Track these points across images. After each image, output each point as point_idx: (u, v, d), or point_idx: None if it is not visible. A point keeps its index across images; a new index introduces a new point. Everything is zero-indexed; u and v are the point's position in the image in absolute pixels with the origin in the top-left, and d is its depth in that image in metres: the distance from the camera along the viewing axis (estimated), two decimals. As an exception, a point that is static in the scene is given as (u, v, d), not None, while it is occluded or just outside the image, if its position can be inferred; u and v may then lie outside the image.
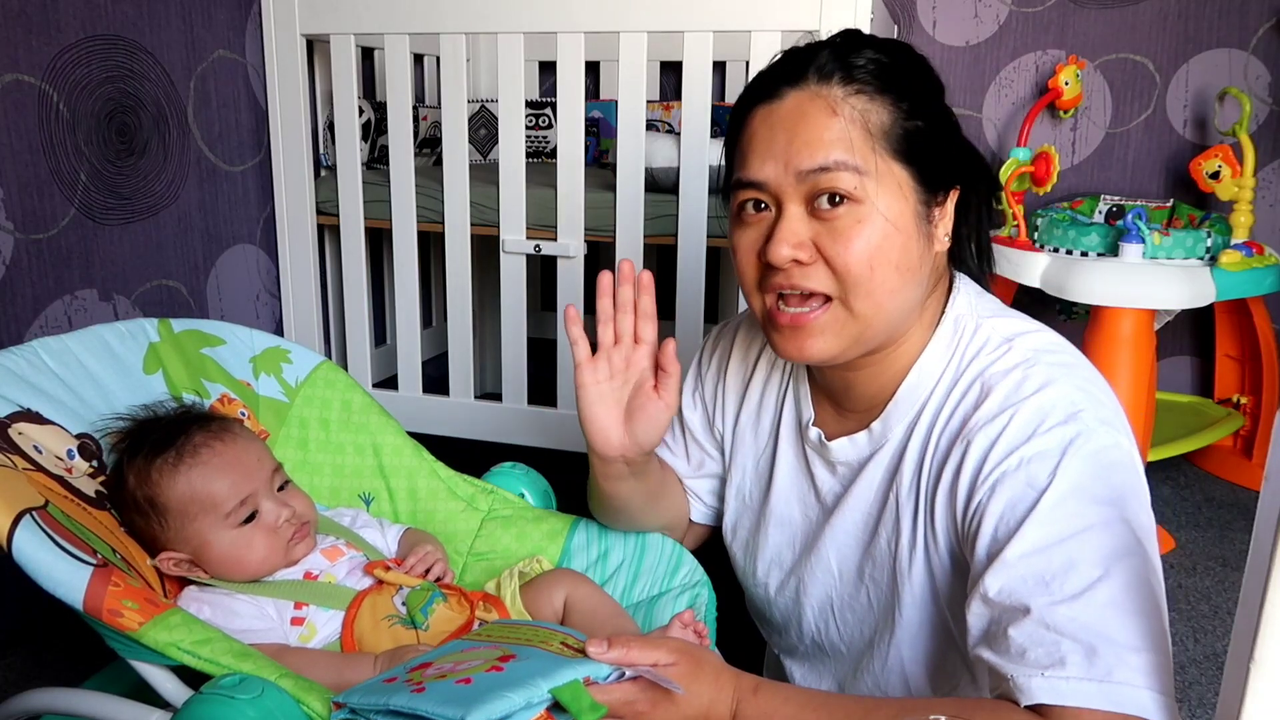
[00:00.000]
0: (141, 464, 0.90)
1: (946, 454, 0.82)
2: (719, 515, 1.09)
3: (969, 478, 0.79)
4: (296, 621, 0.89)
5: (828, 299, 0.81)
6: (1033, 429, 0.77)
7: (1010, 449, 0.77)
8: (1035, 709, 0.69)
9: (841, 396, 0.92)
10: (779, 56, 0.85)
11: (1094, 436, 0.76)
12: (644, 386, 0.91)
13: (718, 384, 1.05)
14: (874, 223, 0.79)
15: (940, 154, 0.83)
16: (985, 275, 0.94)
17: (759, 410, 1.01)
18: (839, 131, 0.79)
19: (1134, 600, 0.70)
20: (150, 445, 0.91)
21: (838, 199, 0.79)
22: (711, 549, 1.12)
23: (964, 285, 0.90)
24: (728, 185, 0.87)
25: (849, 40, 0.83)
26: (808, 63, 0.81)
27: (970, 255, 0.93)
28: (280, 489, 0.96)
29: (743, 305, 1.74)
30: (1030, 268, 1.84)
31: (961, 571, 0.81)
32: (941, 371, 0.86)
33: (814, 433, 0.94)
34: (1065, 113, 2.24)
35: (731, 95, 2.42)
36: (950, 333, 0.86)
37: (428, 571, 0.96)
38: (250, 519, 0.91)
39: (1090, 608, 0.70)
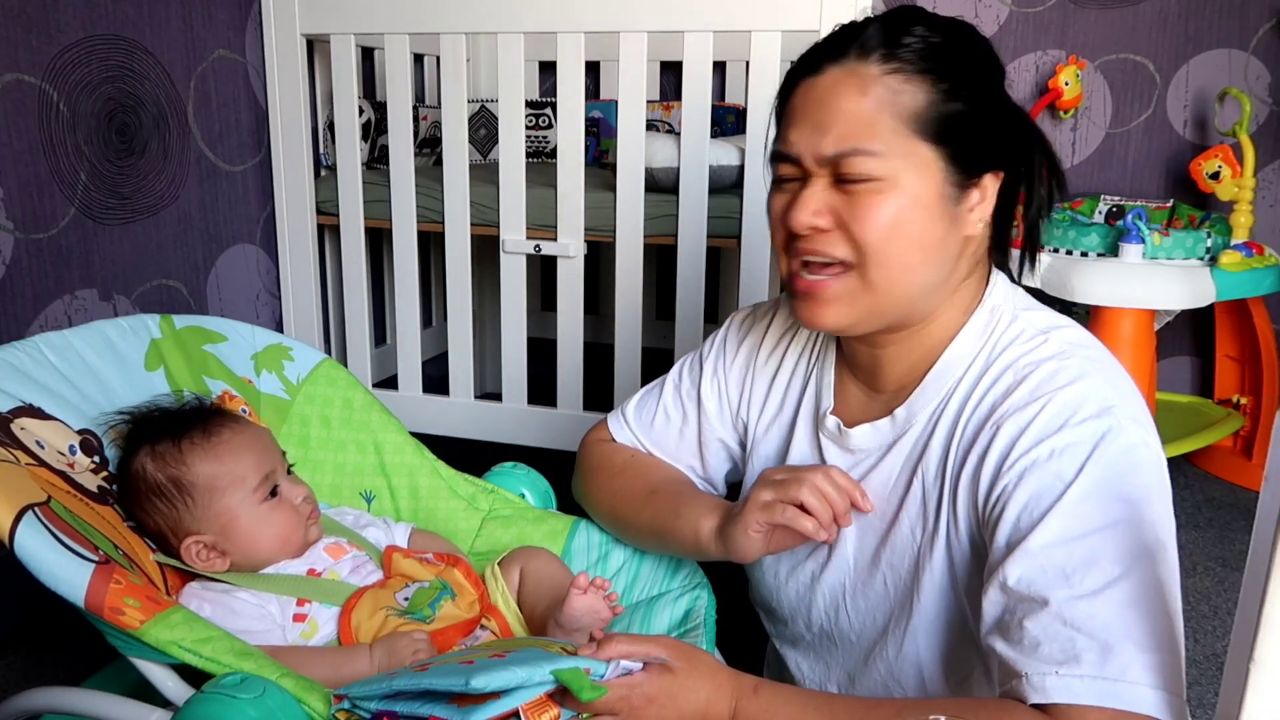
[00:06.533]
0: (166, 447, 0.91)
1: (974, 439, 0.82)
2: None
3: (995, 463, 0.79)
4: (299, 618, 0.89)
5: (847, 266, 0.83)
6: (1064, 420, 0.78)
7: (1040, 438, 0.77)
8: (1044, 707, 0.69)
9: (871, 376, 0.93)
10: (834, 29, 0.85)
11: (1125, 433, 0.77)
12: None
13: (746, 373, 1.05)
14: (894, 197, 0.80)
15: (978, 137, 0.83)
16: (1023, 272, 0.93)
17: (783, 400, 1.02)
18: (863, 114, 0.80)
19: (1151, 601, 0.71)
20: (172, 429, 0.93)
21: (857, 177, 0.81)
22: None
23: (1002, 279, 0.90)
24: (771, 152, 0.89)
25: (900, 17, 0.83)
26: (853, 38, 0.82)
27: (1005, 249, 0.92)
28: (288, 474, 0.98)
29: (742, 304, 1.74)
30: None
31: (981, 560, 0.82)
32: (973, 357, 0.86)
33: (831, 421, 0.94)
34: (1065, 113, 2.24)
35: (732, 95, 2.42)
36: (985, 320, 0.87)
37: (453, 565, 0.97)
38: (272, 496, 0.94)
39: (1108, 606, 0.70)
